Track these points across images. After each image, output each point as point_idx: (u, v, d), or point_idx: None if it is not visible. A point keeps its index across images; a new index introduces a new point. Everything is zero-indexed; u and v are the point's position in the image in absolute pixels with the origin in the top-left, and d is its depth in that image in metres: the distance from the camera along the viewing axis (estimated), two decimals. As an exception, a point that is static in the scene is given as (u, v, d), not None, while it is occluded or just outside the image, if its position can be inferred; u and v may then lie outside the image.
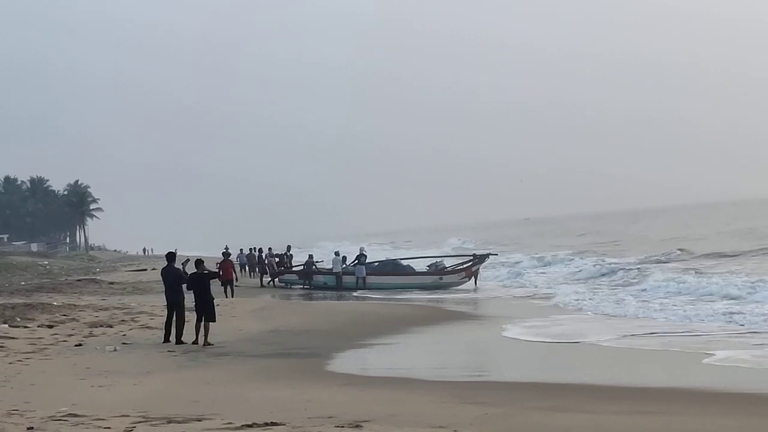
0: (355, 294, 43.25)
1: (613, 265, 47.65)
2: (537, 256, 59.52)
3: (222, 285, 40.01)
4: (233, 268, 43.13)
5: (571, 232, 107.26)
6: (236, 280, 43.14)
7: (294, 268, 50.13)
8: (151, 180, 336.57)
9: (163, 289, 23.31)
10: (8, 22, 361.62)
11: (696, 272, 38.86)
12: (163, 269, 23.32)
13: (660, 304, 28.57)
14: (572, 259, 55.46)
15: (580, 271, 48.72)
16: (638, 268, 44.12)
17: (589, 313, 28.06)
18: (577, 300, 31.98)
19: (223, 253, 43.26)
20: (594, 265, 49.28)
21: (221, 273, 39.86)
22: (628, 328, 23.15)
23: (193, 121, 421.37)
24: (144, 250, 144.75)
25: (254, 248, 53.14)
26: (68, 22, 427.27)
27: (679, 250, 56.29)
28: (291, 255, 52.00)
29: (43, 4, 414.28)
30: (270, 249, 52.20)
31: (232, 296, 38.20)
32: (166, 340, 22.04)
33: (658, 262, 48.84)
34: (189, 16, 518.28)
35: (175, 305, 22.37)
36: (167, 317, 22.52)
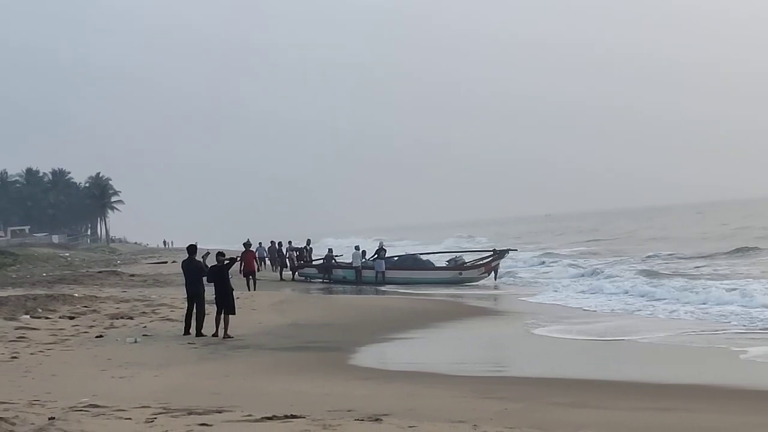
0: (374, 288, 43.25)
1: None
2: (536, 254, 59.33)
3: (244, 276, 40.13)
4: (255, 259, 42.90)
5: (574, 230, 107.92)
6: (258, 271, 43.07)
7: (314, 262, 50.18)
8: (171, 174, 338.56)
9: (184, 282, 23.40)
10: (33, 17, 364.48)
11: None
12: (183, 262, 23.40)
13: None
14: (556, 261, 55.24)
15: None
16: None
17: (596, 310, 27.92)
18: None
19: (244, 245, 42.48)
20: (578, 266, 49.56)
21: (242, 264, 39.95)
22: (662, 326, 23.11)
23: (213, 117, 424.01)
24: (164, 242, 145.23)
25: (274, 242, 52.98)
26: (92, 18, 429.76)
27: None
28: (311, 248, 51.99)
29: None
30: (290, 242, 52.21)
31: (254, 288, 38.17)
32: (187, 332, 22.12)
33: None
34: (208, 15, 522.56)
35: (195, 298, 22.44)
36: (188, 310, 22.59)
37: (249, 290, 37.57)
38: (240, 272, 39.74)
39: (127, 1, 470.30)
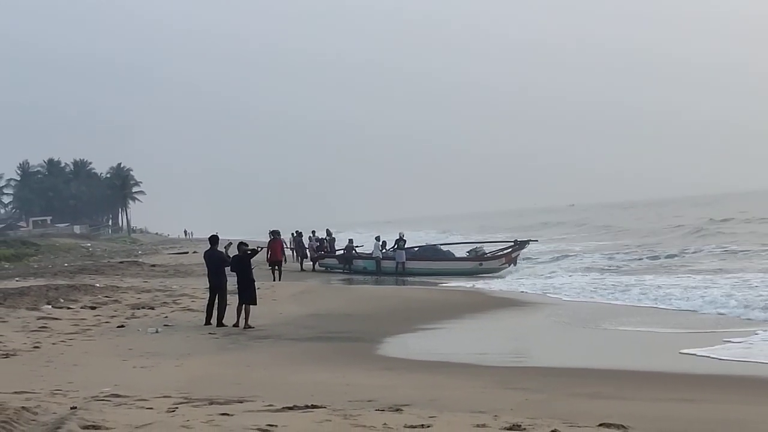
0: (394, 279, 43.25)
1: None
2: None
3: (270, 266, 39.97)
4: (283, 248, 42.47)
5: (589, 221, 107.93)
6: (285, 261, 42.73)
7: (335, 253, 50.19)
8: (192, 165, 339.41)
9: (206, 272, 23.45)
10: (56, 17, 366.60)
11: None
12: (205, 252, 23.46)
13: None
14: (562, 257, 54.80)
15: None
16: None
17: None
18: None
19: (271, 232, 41.46)
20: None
21: (269, 253, 39.85)
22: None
23: (233, 113, 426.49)
24: (185, 232, 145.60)
25: (295, 232, 52.91)
26: (111, 15, 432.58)
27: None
28: (333, 239, 51.91)
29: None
30: (313, 232, 52.07)
31: (280, 278, 38.27)
32: (208, 322, 22.16)
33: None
34: (223, 17, 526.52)
35: (216, 288, 22.49)
36: (209, 300, 22.63)
37: (274, 280, 37.58)
38: (267, 261, 39.70)
39: (153, 4, 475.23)
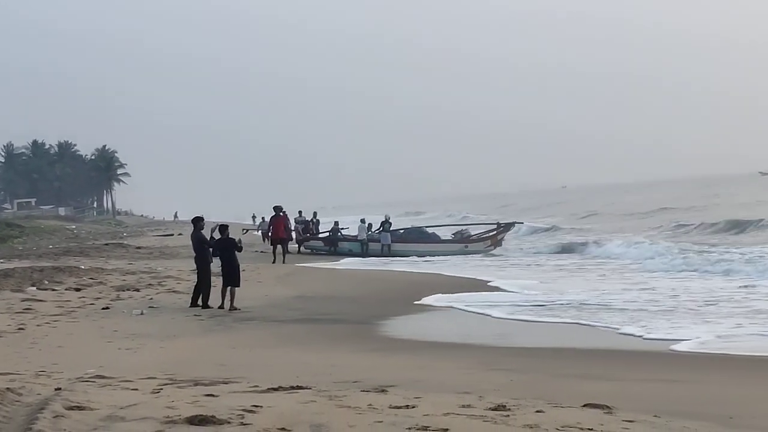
0: (380, 261, 43.23)
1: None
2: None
3: (271, 244, 39.60)
4: (287, 226, 41.41)
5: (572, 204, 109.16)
6: (291, 239, 42.41)
7: (319, 235, 50.13)
8: (178, 146, 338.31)
9: (192, 254, 23.45)
10: None
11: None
12: (191, 234, 23.43)
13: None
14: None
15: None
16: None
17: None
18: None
19: (274, 208, 40.35)
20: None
21: (271, 230, 39.54)
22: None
23: (220, 84, 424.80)
24: (175, 215, 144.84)
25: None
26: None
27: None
28: (318, 221, 51.80)
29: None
30: (300, 212, 51.90)
31: (284, 259, 37.92)
32: (194, 304, 22.13)
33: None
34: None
35: (200, 270, 22.48)
36: (197, 282, 22.63)
37: (275, 261, 37.48)
38: (267, 239, 39.56)
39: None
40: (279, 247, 39.39)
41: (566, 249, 45.14)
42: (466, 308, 21.87)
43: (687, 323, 18.07)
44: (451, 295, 24.87)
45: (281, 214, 40.03)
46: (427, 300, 23.88)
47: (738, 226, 51.58)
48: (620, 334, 17.17)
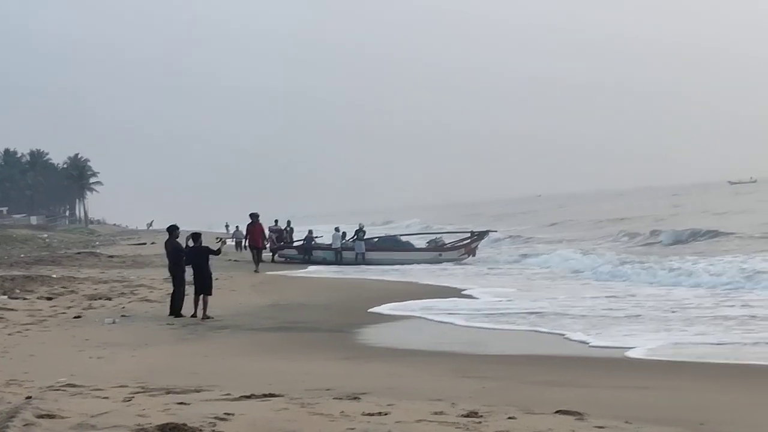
0: (354, 269, 43.21)
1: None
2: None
3: (250, 250, 39.56)
4: (263, 233, 41.01)
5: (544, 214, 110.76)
6: (265, 248, 41.80)
7: (293, 243, 50.05)
8: (151, 154, 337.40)
9: (165, 263, 23.39)
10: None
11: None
12: (165, 242, 23.38)
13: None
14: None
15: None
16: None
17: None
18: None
19: (251, 215, 39.96)
20: None
21: (248, 238, 39.39)
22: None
23: (196, 94, 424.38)
24: (151, 223, 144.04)
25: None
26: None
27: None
28: (292, 229, 51.73)
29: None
30: (276, 221, 51.75)
31: (256, 266, 37.71)
32: (172, 312, 22.05)
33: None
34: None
35: (173, 278, 22.43)
36: (173, 290, 22.58)
37: (256, 266, 37.38)
38: (243, 247, 39.45)
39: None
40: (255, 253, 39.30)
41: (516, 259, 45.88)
42: (433, 316, 22.02)
43: (639, 330, 18.39)
44: (417, 302, 25.19)
45: (257, 221, 39.77)
46: (385, 308, 24.13)
47: (678, 237, 51.99)
48: (572, 340, 17.45)
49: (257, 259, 38.29)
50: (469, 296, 27.18)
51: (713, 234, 50.99)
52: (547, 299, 25.21)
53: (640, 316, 20.82)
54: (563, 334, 18.13)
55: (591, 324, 19.56)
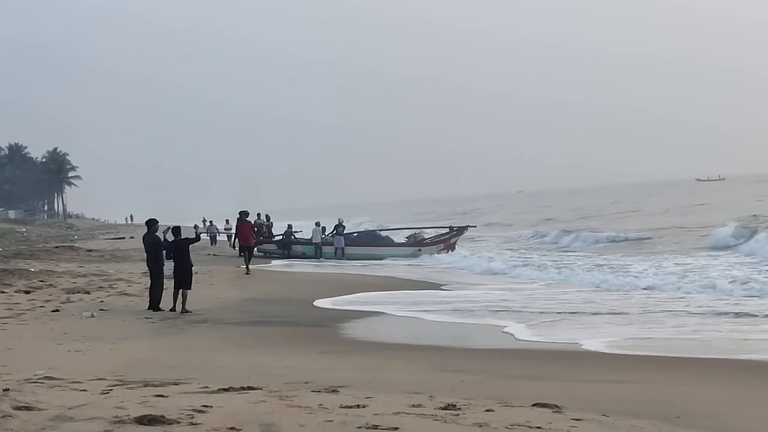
0: (333, 264, 43.26)
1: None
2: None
3: (240, 251, 38.05)
4: (253, 232, 39.16)
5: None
6: (255, 247, 39.81)
7: (273, 238, 50.00)
8: (130, 150, 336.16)
9: (144, 257, 23.34)
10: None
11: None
12: (143, 236, 23.33)
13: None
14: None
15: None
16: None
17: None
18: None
19: (240, 212, 38.70)
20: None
21: (237, 237, 38.39)
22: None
23: (169, 100, 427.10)
24: (130, 217, 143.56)
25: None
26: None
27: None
28: (271, 224, 51.60)
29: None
30: (258, 215, 51.68)
31: (248, 267, 35.25)
32: (151, 306, 22.01)
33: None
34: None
35: (152, 272, 22.39)
36: (151, 284, 22.54)
37: (248, 271, 34.93)
38: (232, 246, 38.67)
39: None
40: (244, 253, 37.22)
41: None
42: (408, 311, 22.27)
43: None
44: (393, 292, 25.57)
45: (246, 219, 38.35)
46: (355, 301, 24.51)
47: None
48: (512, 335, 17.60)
49: (248, 258, 36.19)
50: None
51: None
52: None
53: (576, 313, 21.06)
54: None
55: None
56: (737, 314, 19.73)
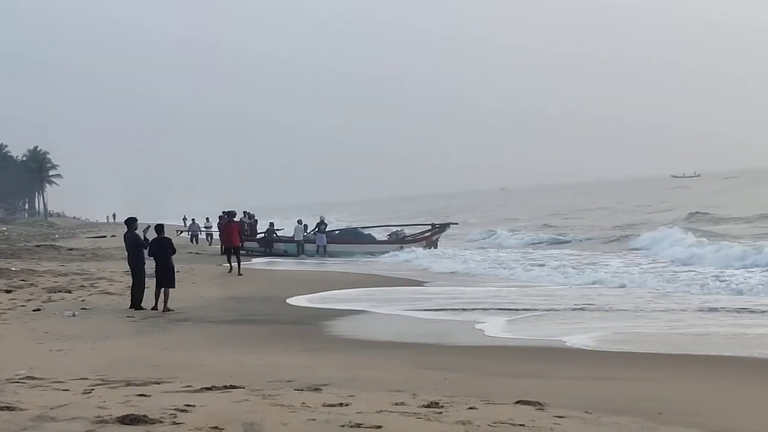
0: (315, 262, 43.26)
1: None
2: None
3: (224, 253, 37.06)
4: (240, 231, 37.45)
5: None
6: (242, 247, 37.97)
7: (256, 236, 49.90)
8: (111, 149, 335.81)
9: (125, 256, 23.28)
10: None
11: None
12: (124, 235, 23.26)
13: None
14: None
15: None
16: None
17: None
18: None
19: (227, 213, 37.78)
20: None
21: (223, 237, 37.79)
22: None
23: (144, 102, 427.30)
24: (113, 216, 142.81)
25: (222, 215, 52.28)
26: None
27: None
28: (256, 221, 51.34)
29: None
30: (245, 212, 51.52)
31: (239, 268, 33.42)
32: (133, 305, 21.95)
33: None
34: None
35: (133, 271, 22.34)
36: (132, 283, 22.48)
37: (230, 271, 33.46)
38: (221, 247, 38.01)
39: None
40: (230, 255, 35.20)
41: None
42: (390, 307, 22.36)
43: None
44: (375, 289, 25.64)
45: (233, 219, 36.96)
46: (337, 298, 24.59)
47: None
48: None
49: (238, 260, 33.95)
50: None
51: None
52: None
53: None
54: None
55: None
56: (711, 310, 20.04)
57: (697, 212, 61.47)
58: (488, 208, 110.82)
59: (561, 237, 53.99)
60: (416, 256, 43.19)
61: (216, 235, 50.33)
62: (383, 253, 45.19)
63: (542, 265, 34.52)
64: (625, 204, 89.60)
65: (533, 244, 51.67)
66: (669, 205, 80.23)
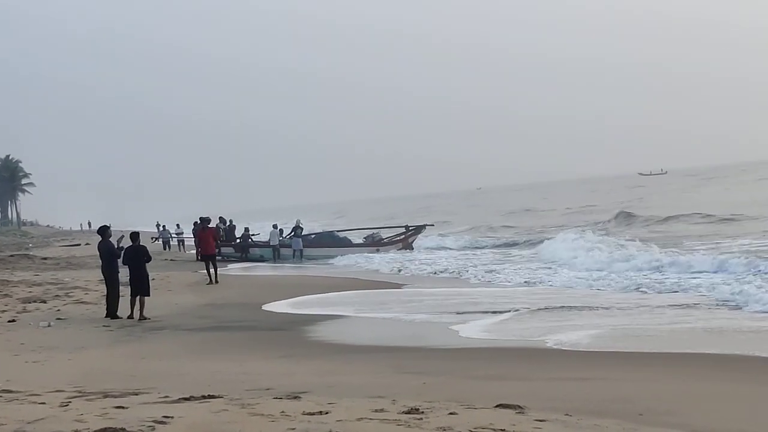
0: (292, 266, 43.17)
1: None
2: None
3: (201, 260, 35.95)
4: (216, 238, 36.82)
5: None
6: (219, 252, 37.79)
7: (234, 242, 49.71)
8: (84, 157, 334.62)
9: (99, 264, 23.13)
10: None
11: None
12: (98, 244, 23.13)
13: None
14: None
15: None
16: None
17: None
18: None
19: (201, 219, 36.60)
20: None
21: (199, 245, 37.42)
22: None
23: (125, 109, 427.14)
24: (89, 224, 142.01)
25: (197, 221, 52.07)
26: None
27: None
28: (234, 226, 51.10)
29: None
30: (221, 218, 51.24)
31: (216, 277, 32.36)
32: (108, 314, 21.81)
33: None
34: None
35: (107, 280, 22.21)
36: (107, 292, 22.34)
37: (209, 282, 32.10)
38: (197, 256, 37.78)
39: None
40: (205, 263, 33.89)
41: None
42: (368, 311, 22.37)
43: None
44: (352, 292, 26.18)
45: (207, 226, 35.75)
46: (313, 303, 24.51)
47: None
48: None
49: (214, 268, 32.65)
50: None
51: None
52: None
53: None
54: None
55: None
56: (688, 306, 20.30)
57: (623, 212, 63.09)
58: (451, 210, 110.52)
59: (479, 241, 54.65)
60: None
61: (188, 242, 50.09)
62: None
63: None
64: (572, 205, 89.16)
65: (443, 248, 50.80)
66: (611, 205, 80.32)
